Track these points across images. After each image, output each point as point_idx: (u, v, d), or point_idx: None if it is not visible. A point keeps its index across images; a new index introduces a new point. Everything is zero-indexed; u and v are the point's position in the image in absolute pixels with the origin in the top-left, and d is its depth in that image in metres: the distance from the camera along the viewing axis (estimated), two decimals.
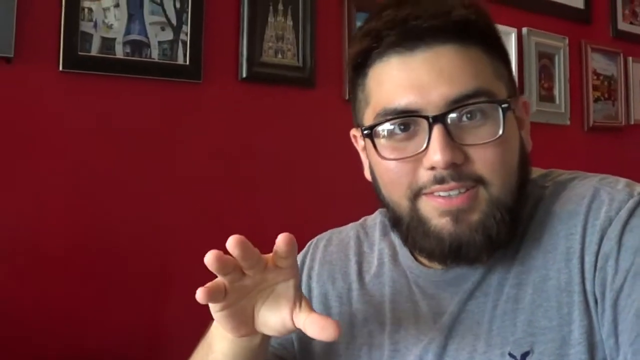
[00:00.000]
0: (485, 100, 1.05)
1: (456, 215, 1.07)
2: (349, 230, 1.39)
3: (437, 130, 1.04)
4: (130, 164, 2.42)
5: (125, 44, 2.42)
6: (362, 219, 1.40)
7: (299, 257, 1.39)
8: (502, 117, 1.05)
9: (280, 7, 2.78)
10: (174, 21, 2.52)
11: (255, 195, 2.71)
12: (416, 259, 1.23)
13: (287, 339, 1.32)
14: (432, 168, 1.05)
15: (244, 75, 2.68)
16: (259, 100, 2.74)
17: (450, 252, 1.09)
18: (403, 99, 1.07)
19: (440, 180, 1.06)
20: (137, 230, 2.43)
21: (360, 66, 1.13)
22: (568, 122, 4.00)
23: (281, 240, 0.97)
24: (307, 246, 1.42)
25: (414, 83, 1.06)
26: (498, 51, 1.12)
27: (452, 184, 1.05)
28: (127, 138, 2.43)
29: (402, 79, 1.07)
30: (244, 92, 2.70)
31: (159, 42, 2.49)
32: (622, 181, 1.12)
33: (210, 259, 0.96)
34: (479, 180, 1.06)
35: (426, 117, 1.05)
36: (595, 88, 4.19)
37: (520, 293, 1.09)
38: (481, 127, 1.05)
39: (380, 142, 1.10)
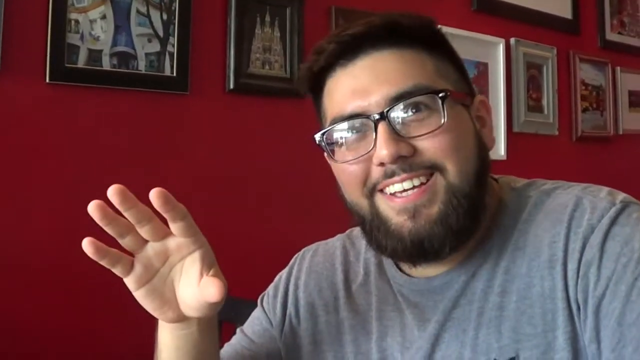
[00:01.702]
0: (422, 92, 1.10)
1: (414, 212, 1.10)
2: (335, 241, 1.41)
3: (381, 127, 1.09)
4: (117, 176, 2.41)
5: (112, 55, 2.42)
6: (349, 230, 1.42)
7: (286, 269, 1.42)
8: (442, 106, 1.09)
9: (268, 18, 2.78)
10: (160, 33, 2.52)
11: (244, 207, 2.71)
12: (400, 269, 1.24)
13: (275, 350, 1.33)
14: (382, 164, 1.10)
15: (231, 86, 2.69)
16: (246, 112, 2.74)
17: (413, 249, 1.11)
18: (349, 105, 1.13)
19: (390, 174, 1.10)
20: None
21: (316, 89, 1.21)
22: (556, 132, 4.01)
23: (152, 194, 1.06)
24: (294, 258, 1.43)
25: (357, 89, 1.12)
26: (442, 53, 1.16)
27: (403, 175, 1.10)
28: (114, 150, 2.42)
29: (347, 88, 1.13)
30: (232, 103, 2.71)
31: (146, 54, 2.49)
32: (605, 190, 1.13)
33: (91, 206, 1.07)
34: (434, 167, 1.10)
35: (369, 117, 1.10)
36: (583, 98, 4.20)
37: (505, 300, 1.10)
38: (426, 119, 1.09)
39: (338, 149, 1.16)
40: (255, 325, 1.39)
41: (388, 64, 1.11)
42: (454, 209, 1.09)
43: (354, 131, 1.13)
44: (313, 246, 1.43)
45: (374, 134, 1.10)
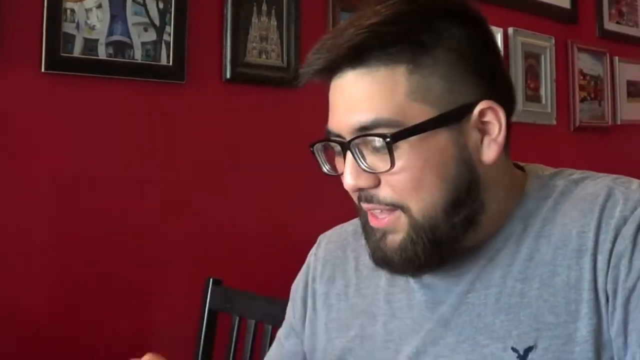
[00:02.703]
0: (369, 133, 1.05)
1: (383, 234, 1.11)
2: (348, 226, 1.39)
3: (348, 155, 1.07)
4: (113, 166, 2.41)
5: (108, 45, 2.40)
6: None
7: (307, 260, 1.41)
8: (389, 150, 1.03)
9: (264, 7, 2.77)
10: (157, 22, 2.51)
11: (240, 197, 2.70)
12: None
13: (302, 352, 1.36)
14: None
15: (228, 76, 2.68)
16: (243, 101, 2.73)
17: (378, 265, 1.14)
18: (330, 122, 1.11)
19: (359, 199, 1.11)
20: (122, 231, 2.42)
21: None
22: (554, 122, 4.01)
23: None
24: (315, 244, 1.42)
25: (334, 109, 1.10)
26: (430, 62, 1.06)
27: (366, 205, 1.10)
28: (110, 140, 2.41)
29: (331, 102, 1.11)
30: (228, 93, 2.70)
31: (142, 43, 2.48)
32: (636, 182, 1.11)
33: None
34: (394, 205, 1.08)
35: (338, 143, 1.10)
36: (581, 88, 4.20)
37: (526, 287, 1.09)
38: (383, 157, 1.05)
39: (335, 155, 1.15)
40: (285, 327, 1.41)
41: (356, 90, 1.06)
42: (415, 244, 1.08)
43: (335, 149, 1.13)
44: (329, 232, 1.42)
45: (344, 159, 1.09)
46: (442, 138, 1.06)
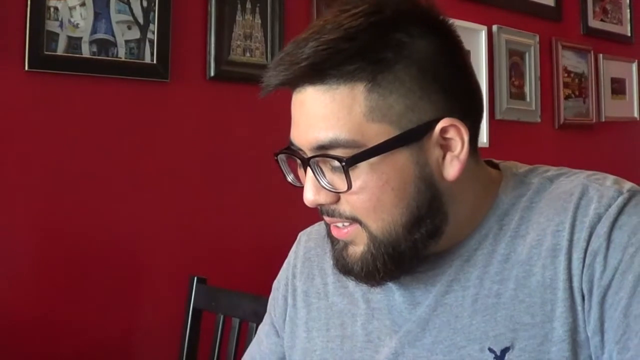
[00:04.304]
0: (326, 154, 1.04)
1: (344, 244, 1.11)
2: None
3: (307, 171, 1.07)
4: (97, 165, 2.40)
5: (91, 43, 2.40)
6: None
7: (287, 258, 1.41)
8: (345, 172, 1.03)
9: (249, 5, 2.77)
10: (140, 20, 2.50)
11: (224, 195, 2.70)
12: None
13: (281, 352, 1.35)
14: None
15: (212, 74, 2.68)
16: (227, 99, 2.73)
17: (341, 273, 1.14)
18: (292, 134, 1.10)
19: (321, 211, 1.11)
20: (106, 230, 2.41)
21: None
22: (539, 120, 4.02)
23: None
24: (296, 241, 1.42)
25: (294, 122, 1.09)
26: (391, 79, 1.03)
27: (327, 218, 1.11)
28: (94, 138, 2.41)
29: (293, 114, 1.10)
30: (212, 91, 2.70)
31: (126, 41, 2.47)
32: (610, 178, 1.11)
33: None
34: (354, 219, 1.08)
35: (299, 157, 1.09)
36: (566, 85, 4.22)
37: (502, 288, 1.08)
38: (340, 176, 1.04)
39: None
40: (265, 324, 1.41)
41: (315, 107, 1.05)
42: (375, 258, 1.08)
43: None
44: (308, 229, 1.41)
45: (305, 173, 1.08)
46: (401, 157, 1.04)
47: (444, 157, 1.07)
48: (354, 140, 1.02)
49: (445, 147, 1.06)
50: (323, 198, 1.07)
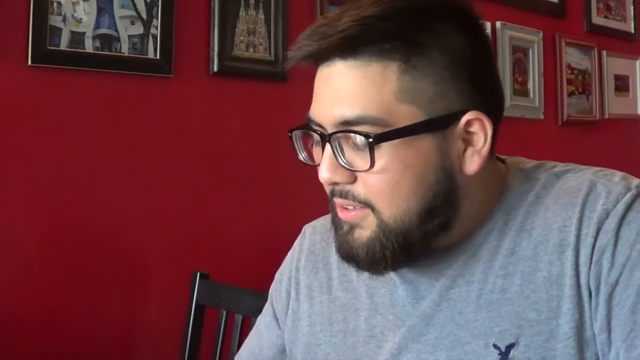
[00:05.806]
0: (352, 130, 1.03)
1: (350, 227, 1.09)
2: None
3: (326, 148, 1.05)
4: (99, 160, 2.40)
5: (94, 38, 2.39)
6: None
7: (290, 250, 1.39)
8: (371, 150, 1.02)
9: (252, 0, 2.76)
10: (144, 15, 2.50)
11: (226, 190, 2.70)
12: None
13: (281, 344, 1.34)
14: None
15: (215, 69, 2.67)
16: (230, 95, 2.73)
17: (343, 260, 1.12)
18: (312, 110, 1.08)
19: (331, 193, 1.09)
20: (109, 225, 2.41)
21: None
22: (542, 117, 4.01)
23: None
24: (300, 234, 1.40)
25: (318, 97, 1.07)
26: (424, 62, 1.03)
27: (339, 200, 1.08)
28: (97, 134, 2.41)
29: (316, 90, 1.08)
30: (215, 86, 2.69)
31: (129, 36, 2.47)
32: (618, 174, 1.10)
33: None
34: (367, 204, 1.06)
35: (319, 134, 1.07)
36: (569, 82, 4.21)
37: (507, 283, 1.08)
38: (362, 154, 1.03)
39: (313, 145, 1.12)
40: (266, 316, 1.40)
41: (344, 82, 1.03)
42: (381, 247, 1.07)
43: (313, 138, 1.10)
44: (313, 222, 1.40)
45: (322, 150, 1.07)
46: (425, 144, 1.04)
47: (464, 151, 1.06)
48: (382, 118, 1.02)
49: (467, 141, 1.06)
50: (339, 177, 1.06)
